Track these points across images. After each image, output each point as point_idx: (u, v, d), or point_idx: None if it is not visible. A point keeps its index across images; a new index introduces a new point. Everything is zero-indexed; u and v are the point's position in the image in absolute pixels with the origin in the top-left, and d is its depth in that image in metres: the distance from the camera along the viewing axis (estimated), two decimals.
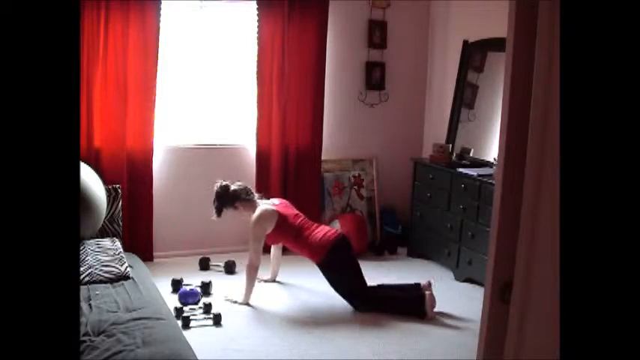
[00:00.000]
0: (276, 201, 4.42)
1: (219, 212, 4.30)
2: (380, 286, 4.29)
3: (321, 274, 4.27)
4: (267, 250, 4.61)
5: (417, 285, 4.23)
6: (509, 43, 1.52)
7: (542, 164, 1.43)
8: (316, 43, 5.29)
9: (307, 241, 4.19)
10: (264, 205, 4.28)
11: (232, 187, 4.30)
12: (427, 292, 4.13)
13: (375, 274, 4.67)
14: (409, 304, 4.13)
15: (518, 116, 1.51)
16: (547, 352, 1.38)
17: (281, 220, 4.21)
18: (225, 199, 4.28)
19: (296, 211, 4.37)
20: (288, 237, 4.27)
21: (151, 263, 4.81)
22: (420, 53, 5.86)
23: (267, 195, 4.73)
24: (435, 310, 4.13)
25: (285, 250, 4.70)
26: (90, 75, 4.60)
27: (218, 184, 4.32)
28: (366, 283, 4.22)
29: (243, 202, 4.29)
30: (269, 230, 4.21)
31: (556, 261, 1.24)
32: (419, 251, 5.38)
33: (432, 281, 4.25)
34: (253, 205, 4.28)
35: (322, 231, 4.24)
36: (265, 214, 4.20)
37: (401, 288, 4.28)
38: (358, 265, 4.24)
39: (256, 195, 4.39)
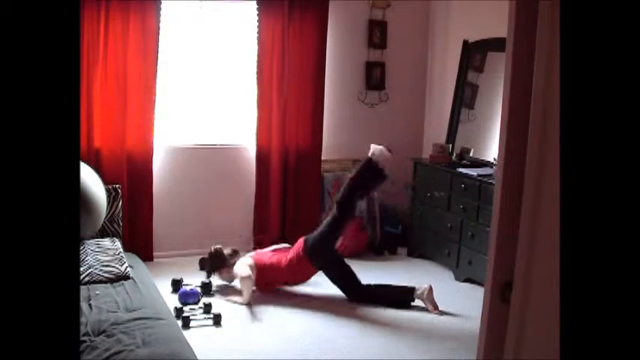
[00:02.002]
0: (251, 253, 4.55)
1: (209, 275, 4.46)
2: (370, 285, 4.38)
3: (321, 273, 4.38)
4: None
5: (412, 288, 4.26)
6: (509, 43, 1.52)
7: (542, 164, 1.43)
8: (316, 43, 5.29)
9: (288, 266, 4.30)
10: (240, 261, 4.40)
11: (225, 252, 4.46)
12: (426, 288, 4.18)
13: (375, 274, 4.67)
14: (399, 294, 4.24)
15: (518, 116, 1.51)
16: (547, 352, 1.38)
17: (258, 266, 4.32)
18: (218, 263, 4.44)
19: (270, 252, 4.50)
20: (272, 275, 4.36)
21: (151, 263, 4.81)
22: (420, 53, 5.86)
23: (267, 195, 4.75)
24: (435, 310, 4.14)
25: None
26: (90, 75, 4.60)
27: (212, 248, 4.48)
28: (352, 274, 4.33)
29: (228, 268, 4.43)
30: (250, 273, 4.26)
31: (556, 261, 1.24)
32: (419, 251, 5.38)
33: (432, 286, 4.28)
34: (232, 266, 4.41)
35: (292, 250, 4.37)
36: (243, 263, 4.33)
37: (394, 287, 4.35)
38: (340, 258, 4.39)
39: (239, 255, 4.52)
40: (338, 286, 4.35)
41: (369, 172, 4.29)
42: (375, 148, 4.30)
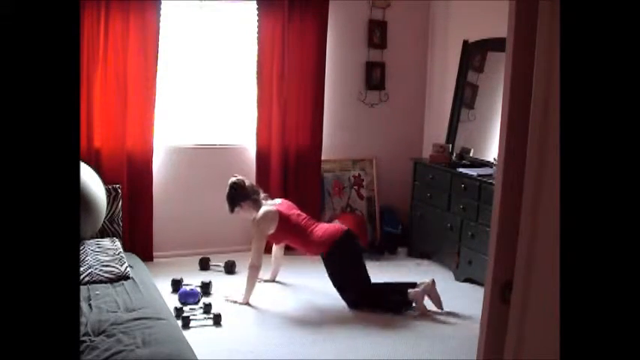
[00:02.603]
0: (278, 201, 4.43)
1: (233, 207, 4.28)
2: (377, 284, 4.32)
3: (320, 273, 4.32)
4: (267, 250, 4.61)
5: (414, 284, 4.24)
6: (509, 43, 1.52)
7: (542, 164, 1.43)
8: (316, 43, 5.29)
9: (311, 237, 4.22)
10: (266, 205, 4.29)
11: (247, 184, 4.31)
12: (429, 283, 4.17)
13: (375, 274, 4.67)
14: (396, 298, 4.18)
15: (518, 116, 1.51)
16: (547, 352, 1.38)
17: (283, 220, 4.22)
18: (239, 195, 4.26)
19: (298, 211, 4.38)
20: (291, 236, 4.29)
21: (151, 263, 4.81)
22: (420, 53, 5.86)
23: (267, 195, 4.72)
24: (434, 309, 4.14)
25: (285, 250, 4.71)
26: (90, 75, 4.60)
27: (234, 179, 4.31)
28: (369, 279, 4.24)
29: (250, 203, 4.28)
30: (271, 230, 4.21)
31: (556, 261, 1.24)
32: (419, 251, 5.38)
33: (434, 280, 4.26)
34: (258, 206, 4.28)
35: (325, 226, 4.31)
36: (267, 215, 4.21)
37: (396, 285, 4.30)
38: (362, 261, 4.28)
39: (262, 195, 4.39)
40: (340, 289, 4.26)
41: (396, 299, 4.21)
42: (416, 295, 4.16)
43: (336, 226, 4.36)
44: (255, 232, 4.21)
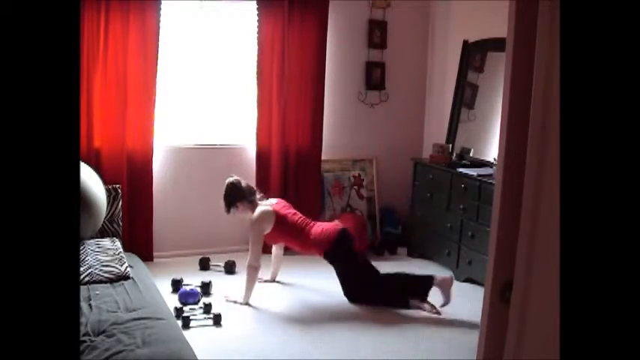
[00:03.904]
0: (273, 201, 4.43)
1: (229, 208, 4.29)
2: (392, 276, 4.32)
3: (319, 273, 4.40)
4: (267, 250, 4.61)
5: (431, 277, 4.23)
6: (509, 43, 1.52)
7: (542, 164, 1.42)
8: (316, 43, 5.29)
9: (309, 237, 4.23)
10: (262, 206, 4.29)
11: (243, 184, 4.32)
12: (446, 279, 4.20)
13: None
14: (417, 282, 4.21)
15: (518, 116, 1.51)
16: (547, 352, 1.38)
17: (279, 219, 4.22)
18: (235, 195, 4.27)
19: (294, 210, 4.39)
20: (288, 236, 4.30)
21: (151, 263, 4.81)
22: (420, 53, 5.86)
23: (267, 195, 4.71)
24: (435, 309, 4.15)
25: (285, 250, 4.71)
26: (90, 75, 4.60)
27: (230, 179, 4.32)
28: (376, 272, 4.26)
29: (246, 203, 4.29)
30: (267, 230, 4.22)
31: (556, 261, 1.24)
32: (419, 251, 5.38)
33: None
34: (253, 207, 4.29)
35: (322, 226, 4.31)
36: (263, 216, 4.22)
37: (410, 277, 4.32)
38: (358, 258, 4.32)
39: (258, 195, 4.39)
40: (341, 282, 4.30)
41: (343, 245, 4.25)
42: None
43: (333, 225, 4.35)
44: (252, 233, 4.21)
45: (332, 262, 4.29)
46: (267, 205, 4.32)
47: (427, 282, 4.19)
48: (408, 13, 5.73)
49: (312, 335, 3.79)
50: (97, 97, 4.66)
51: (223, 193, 4.29)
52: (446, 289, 4.16)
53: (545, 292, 1.41)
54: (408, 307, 4.19)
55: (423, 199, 5.29)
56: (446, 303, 4.15)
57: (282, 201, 4.49)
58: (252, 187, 4.40)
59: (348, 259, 4.27)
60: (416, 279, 4.26)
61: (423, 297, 4.18)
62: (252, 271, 4.18)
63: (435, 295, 4.20)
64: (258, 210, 4.24)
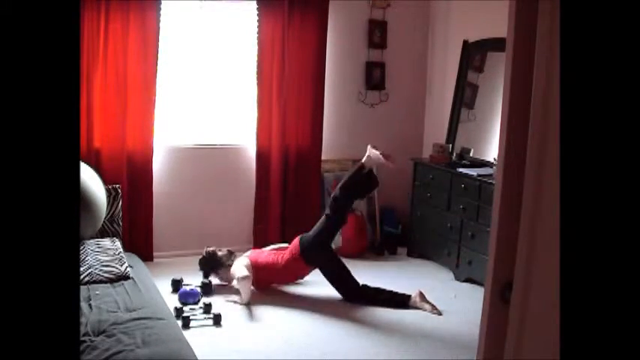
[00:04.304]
0: (247, 253, 4.56)
1: (207, 275, 4.47)
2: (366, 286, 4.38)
3: (320, 273, 4.39)
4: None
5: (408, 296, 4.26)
6: (509, 43, 1.52)
7: (542, 164, 1.42)
8: (316, 43, 5.29)
9: (284, 265, 4.33)
10: (237, 260, 4.42)
11: (219, 254, 4.48)
12: (417, 294, 4.21)
13: (375, 274, 4.67)
14: (395, 296, 4.26)
15: (518, 116, 1.51)
16: (547, 352, 1.38)
17: (254, 264, 4.34)
18: (212, 265, 4.46)
19: (266, 251, 4.52)
20: (270, 274, 4.39)
21: (151, 263, 4.81)
22: (420, 53, 5.86)
23: (267, 195, 4.74)
24: (435, 309, 4.14)
25: None
26: (90, 75, 4.60)
27: (206, 250, 4.51)
28: (349, 273, 4.34)
29: (223, 269, 4.45)
30: (250, 276, 4.27)
31: (556, 261, 1.24)
32: (419, 251, 5.38)
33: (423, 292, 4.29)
34: (229, 267, 4.42)
35: (288, 249, 4.41)
36: (240, 266, 4.31)
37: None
38: (336, 257, 4.40)
39: (232, 256, 4.53)
40: (334, 286, 4.36)
41: (361, 178, 4.31)
42: (371, 153, 4.30)
43: (294, 243, 4.40)
44: (240, 286, 4.23)
45: (317, 267, 4.37)
46: (243, 257, 4.45)
47: (404, 299, 4.24)
48: (408, 13, 5.73)
49: (312, 335, 3.79)
50: (97, 97, 4.66)
51: (201, 263, 4.49)
52: (422, 301, 4.18)
53: (545, 292, 1.41)
54: (406, 306, 4.19)
55: (423, 199, 5.29)
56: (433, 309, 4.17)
57: (256, 249, 4.67)
58: (229, 251, 4.56)
59: (326, 258, 4.35)
60: (393, 295, 4.29)
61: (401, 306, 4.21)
62: (243, 280, 4.22)
63: (433, 298, 4.20)
64: (236, 265, 4.36)
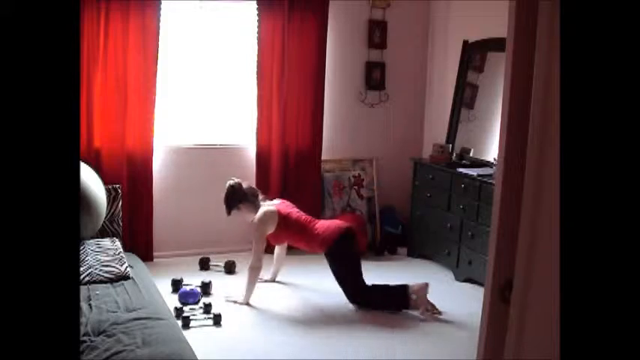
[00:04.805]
0: (276, 201, 4.44)
1: (230, 210, 4.30)
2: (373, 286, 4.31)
3: (320, 273, 4.36)
4: (269, 250, 4.60)
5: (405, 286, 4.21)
6: (509, 43, 1.52)
7: (542, 164, 1.42)
8: (316, 43, 5.29)
9: (313, 233, 4.22)
10: (265, 206, 4.30)
11: (244, 186, 4.33)
12: (420, 288, 4.15)
13: (375, 274, 4.66)
14: (395, 296, 4.17)
15: (518, 116, 1.51)
16: (547, 352, 1.38)
17: (282, 219, 4.23)
18: (236, 197, 4.29)
19: (297, 209, 4.39)
20: (292, 233, 4.28)
21: (151, 263, 4.81)
22: (420, 53, 5.86)
23: (267, 195, 4.71)
24: (435, 310, 4.14)
25: (288, 250, 4.70)
26: (90, 75, 4.60)
27: (231, 182, 4.33)
28: (362, 279, 4.23)
29: (248, 204, 4.30)
30: (271, 230, 4.22)
31: (556, 261, 1.24)
32: (419, 251, 5.38)
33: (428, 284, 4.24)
34: (256, 208, 4.29)
35: (327, 223, 4.31)
36: (266, 215, 4.22)
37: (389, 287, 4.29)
38: (359, 260, 4.27)
39: (260, 197, 4.39)
40: (342, 285, 4.26)
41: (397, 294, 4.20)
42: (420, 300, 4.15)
43: (338, 222, 4.35)
44: (255, 234, 4.21)
45: (332, 260, 4.24)
46: (270, 205, 4.33)
47: (403, 291, 4.17)
48: (408, 13, 5.73)
49: (311, 335, 3.79)
50: (97, 97, 4.66)
51: (224, 195, 4.30)
52: (422, 296, 4.13)
53: (545, 292, 1.41)
54: (407, 307, 4.17)
55: (423, 199, 5.29)
56: (429, 310, 4.13)
57: (285, 201, 4.50)
58: (254, 189, 4.42)
59: (348, 259, 4.26)
60: (391, 289, 4.23)
61: (400, 308, 4.16)
62: (254, 272, 4.18)
63: (433, 298, 4.20)
64: (261, 210, 4.25)
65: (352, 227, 4.34)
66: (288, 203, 4.45)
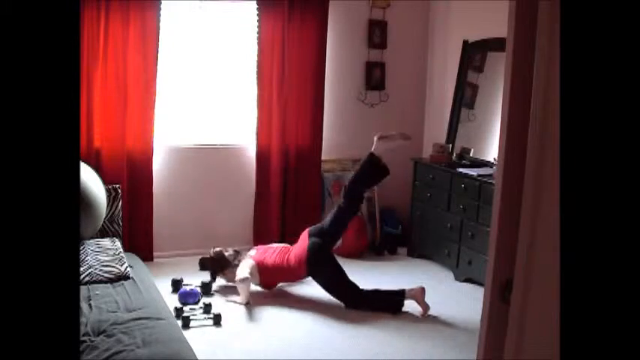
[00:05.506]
0: (252, 252, 4.52)
1: (213, 276, 4.47)
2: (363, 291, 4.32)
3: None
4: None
5: (402, 291, 4.23)
6: (509, 43, 1.52)
7: (542, 164, 1.42)
8: (316, 43, 5.29)
9: (290, 267, 4.29)
10: (244, 261, 4.39)
11: (226, 255, 4.48)
12: (418, 289, 4.17)
13: (375, 274, 4.68)
14: (389, 299, 4.19)
15: (518, 116, 1.51)
16: (547, 352, 1.38)
17: (261, 268, 4.32)
18: (218, 266, 4.46)
19: (272, 250, 4.46)
20: (274, 275, 4.37)
21: (151, 263, 4.81)
22: (420, 53, 5.86)
23: (267, 195, 4.74)
24: (434, 310, 4.14)
25: None
26: (90, 75, 4.60)
27: (211, 252, 4.51)
28: (349, 282, 4.24)
29: (231, 269, 4.44)
30: (255, 281, 4.31)
31: (556, 261, 1.24)
32: (419, 251, 5.38)
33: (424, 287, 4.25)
34: (236, 267, 4.40)
35: (295, 250, 4.35)
36: (248, 272, 4.27)
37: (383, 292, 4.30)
38: (338, 265, 4.28)
39: (240, 255, 4.52)
40: (332, 295, 4.27)
41: (371, 167, 4.31)
42: (377, 144, 4.32)
43: (300, 245, 4.33)
44: (240, 287, 4.22)
45: (316, 278, 4.30)
46: (248, 257, 4.42)
47: (399, 296, 4.19)
48: (408, 13, 5.73)
49: (311, 335, 3.79)
50: (97, 97, 4.66)
51: (209, 263, 4.49)
52: (419, 298, 4.15)
53: (545, 292, 1.41)
54: (402, 304, 4.17)
55: (423, 199, 5.29)
56: (424, 312, 4.14)
57: (260, 246, 4.60)
58: (235, 251, 4.56)
59: (327, 271, 4.27)
60: (388, 294, 4.24)
61: (396, 311, 4.16)
62: (243, 282, 4.21)
63: (433, 298, 4.20)
64: (241, 266, 4.33)
65: (313, 243, 4.26)
66: (263, 248, 4.54)
